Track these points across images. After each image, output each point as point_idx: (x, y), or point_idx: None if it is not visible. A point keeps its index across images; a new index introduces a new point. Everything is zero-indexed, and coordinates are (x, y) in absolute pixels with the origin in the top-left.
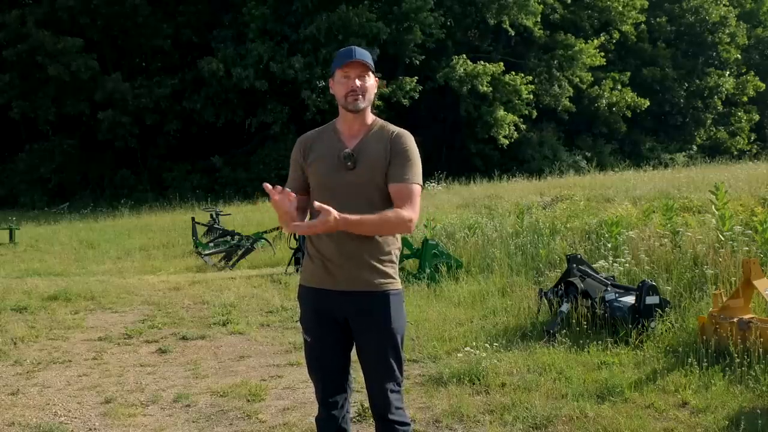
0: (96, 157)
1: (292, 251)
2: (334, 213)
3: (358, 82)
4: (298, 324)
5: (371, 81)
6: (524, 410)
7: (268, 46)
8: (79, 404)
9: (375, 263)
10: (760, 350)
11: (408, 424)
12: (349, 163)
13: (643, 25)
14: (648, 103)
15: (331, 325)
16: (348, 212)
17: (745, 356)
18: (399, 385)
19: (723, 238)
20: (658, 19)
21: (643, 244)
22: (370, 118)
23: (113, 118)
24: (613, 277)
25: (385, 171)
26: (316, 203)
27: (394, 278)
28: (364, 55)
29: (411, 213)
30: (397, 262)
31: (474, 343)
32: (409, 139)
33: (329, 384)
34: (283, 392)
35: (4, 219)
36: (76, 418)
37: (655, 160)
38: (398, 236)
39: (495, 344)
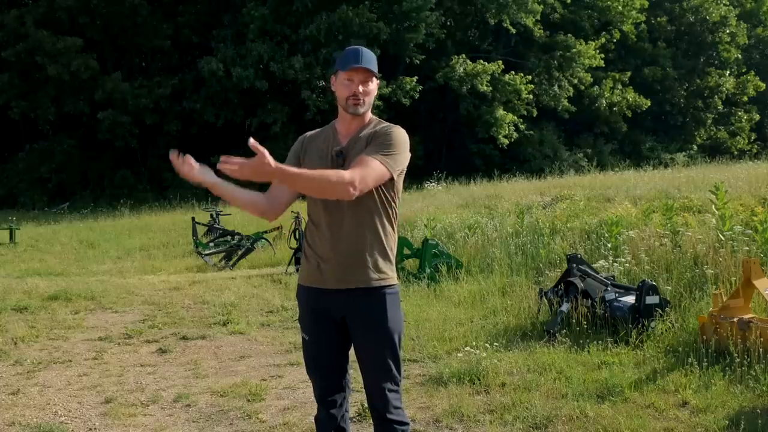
0: (96, 157)
1: (292, 251)
2: (269, 159)
3: (361, 88)
4: (298, 323)
5: (373, 86)
6: (524, 410)
7: (268, 46)
8: (80, 404)
9: (369, 261)
10: (760, 350)
11: (407, 424)
12: (339, 160)
13: (643, 25)
14: (649, 102)
15: (329, 324)
16: (339, 209)
17: (745, 356)
18: (397, 384)
19: (723, 238)
20: (658, 19)
21: (643, 244)
22: (368, 117)
23: (113, 118)
24: (613, 276)
25: None
26: (251, 140)
27: (389, 276)
28: (371, 60)
29: (354, 176)
30: (394, 260)
31: (474, 343)
32: (395, 130)
33: (327, 383)
34: (284, 392)
35: (4, 219)
36: (76, 417)
37: (656, 159)
38: (394, 234)
39: (495, 344)
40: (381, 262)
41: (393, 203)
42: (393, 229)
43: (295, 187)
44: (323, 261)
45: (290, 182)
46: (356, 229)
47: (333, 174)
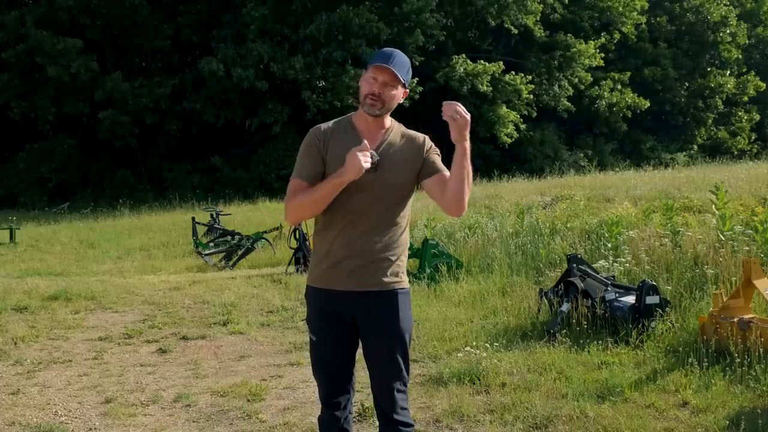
0: (96, 157)
1: (292, 251)
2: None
3: (381, 90)
4: (301, 324)
5: (397, 92)
6: (524, 410)
7: (268, 46)
8: (80, 404)
9: (385, 263)
10: (761, 350)
11: (411, 425)
12: (371, 165)
13: (643, 25)
14: (648, 103)
15: (339, 324)
16: (363, 213)
17: (746, 356)
18: (405, 385)
19: (723, 238)
20: (658, 19)
21: (644, 244)
22: (388, 120)
23: (113, 118)
24: (614, 276)
25: (408, 174)
26: (456, 104)
27: (402, 277)
28: (401, 65)
29: None
30: (405, 262)
31: (474, 343)
32: (433, 144)
33: (334, 384)
34: (284, 392)
35: (4, 219)
36: (76, 417)
37: (656, 159)
38: (407, 236)
39: (495, 344)
40: (396, 266)
41: (409, 208)
42: (408, 233)
43: (464, 166)
44: (339, 262)
45: (464, 160)
46: (378, 232)
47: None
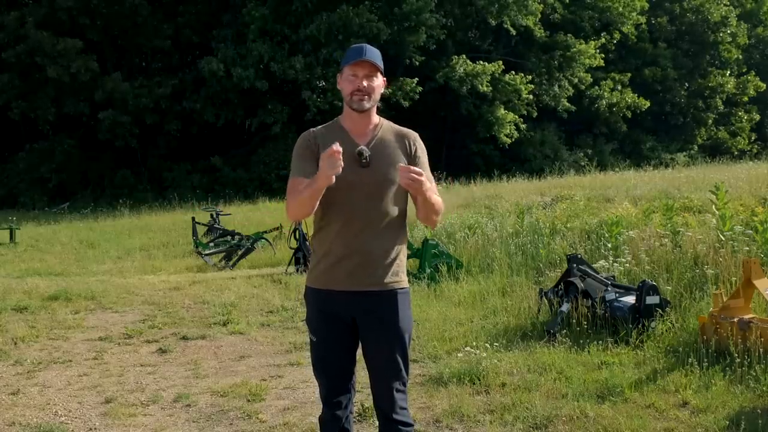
0: (96, 157)
1: (292, 251)
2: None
3: (365, 83)
4: (301, 324)
5: (378, 81)
6: (524, 410)
7: (268, 46)
8: (80, 404)
9: (383, 262)
10: (761, 350)
11: (411, 425)
12: (363, 161)
13: (643, 25)
14: (648, 104)
15: (338, 325)
16: (358, 211)
17: (746, 356)
18: (404, 384)
19: (723, 238)
20: (658, 19)
21: (644, 244)
22: (376, 117)
23: (113, 118)
24: (614, 277)
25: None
26: (412, 171)
27: (401, 277)
28: (375, 55)
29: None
30: (405, 261)
31: (474, 343)
32: (420, 142)
33: (334, 384)
34: (284, 392)
35: (4, 219)
36: (76, 417)
37: (656, 159)
38: (406, 235)
39: (495, 344)
40: (396, 265)
41: (405, 206)
42: (407, 232)
43: (426, 200)
44: (338, 262)
45: (427, 195)
46: (375, 230)
47: (441, 203)
